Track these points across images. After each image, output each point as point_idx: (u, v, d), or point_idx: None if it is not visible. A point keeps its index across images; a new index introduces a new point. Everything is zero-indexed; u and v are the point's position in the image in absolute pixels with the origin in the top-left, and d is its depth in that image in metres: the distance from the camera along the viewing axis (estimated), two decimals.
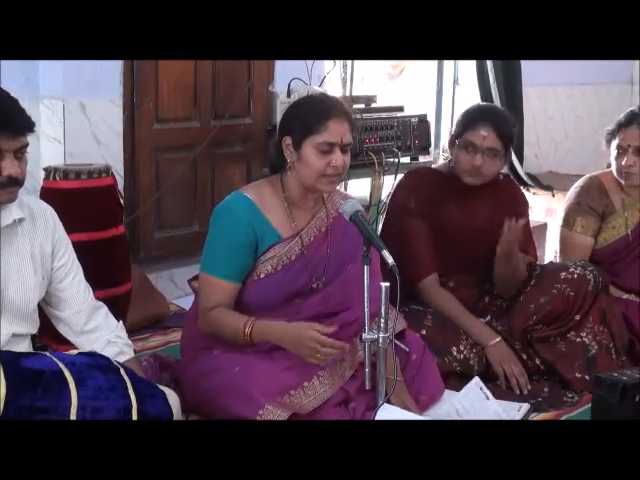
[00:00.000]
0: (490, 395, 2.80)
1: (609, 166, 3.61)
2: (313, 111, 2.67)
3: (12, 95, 2.24)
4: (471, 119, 3.22)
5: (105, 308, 2.59)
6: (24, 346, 2.40)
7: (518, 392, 3.10)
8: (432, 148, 4.54)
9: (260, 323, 2.61)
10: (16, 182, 2.25)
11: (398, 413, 2.62)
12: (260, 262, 2.71)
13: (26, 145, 2.25)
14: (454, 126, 3.31)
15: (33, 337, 2.52)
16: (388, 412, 2.58)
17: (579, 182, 3.66)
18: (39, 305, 2.47)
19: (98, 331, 2.53)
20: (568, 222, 3.60)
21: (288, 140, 2.68)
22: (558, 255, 3.68)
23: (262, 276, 2.71)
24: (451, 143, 3.30)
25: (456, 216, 3.31)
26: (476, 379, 2.88)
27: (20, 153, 2.24)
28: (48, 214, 2.45)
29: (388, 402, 2.64)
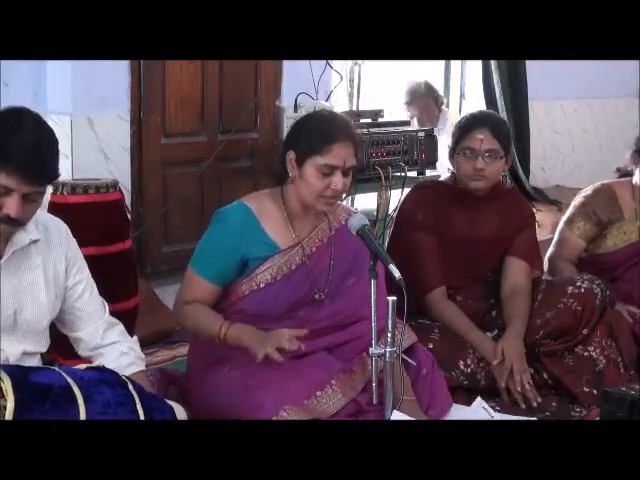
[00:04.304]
0: (493, 413, 2.80)
1: (621, 174, 3.72)
2: (319, 131, 2.68)
3: (53, 138, 2.24)
4: (466, 126, 3.26)
5: (121, 326, 2.58)
6: (33, 363, 2.39)
7: (523, 406, 3.08)
8: (439, 162, 4.54)
9: (234, 328, 2.64)
10: (13, 223, 2.21)
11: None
12: (259, 272, 2.72)
13: (40, 192, 2.22)
14: (451, 138, 3.34)
15: (41, 353, 2.52)
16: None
17: (592, 186, 3.74)
18: (51, 324, 2.47)
19: (113, 346, 2.52)
20: (570, 221, 3.69)
21: (291, 154, 2.70)
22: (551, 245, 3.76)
23: (262, 285, 2.73)
24: (451, 155, 3.32)
25: (463, 229, 3.32)
26: (478, 400, 2.89)
27: (32, 197, 2.21)
28: (62, 232, 2.45)
29: None
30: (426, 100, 5.25)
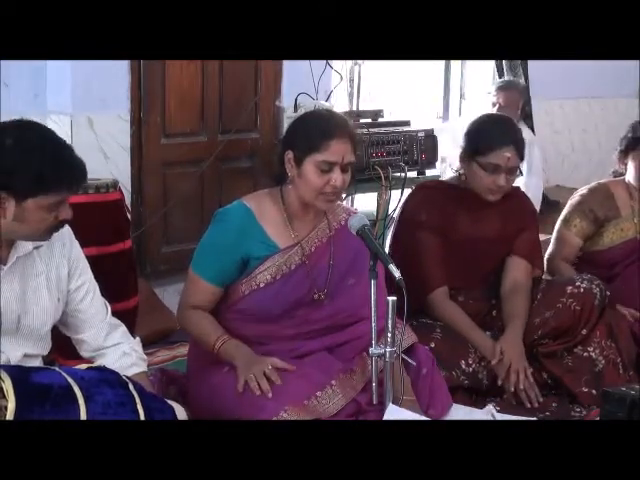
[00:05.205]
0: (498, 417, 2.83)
1: (616, 175, 3.72)
2: (316, 129, 2.68)
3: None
4: (493, 140, 3.18)
5: (123, 327, 2.59)
6: (35, 365, 2.39)
7: (529, 405, 3.09)
8: (439, 162, 4.54)
9: (229, 344, 2.66)
10: (66, 223, 2.33)
11: (405, 414, 2.62)
12: (259, 271, 2.72)
13: None
14: (467, 140, 3.26)
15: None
16: (395, 414, 2.59)
17: (588, 185, 3.76)
18: (53, 326, 2.47)
19: (116, 347, 2.53)
20: (567, 220, 3.70)
21: (290, 154, 2.70)
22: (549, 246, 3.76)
23: (262, 285, 2.73)
24: (464, 159, 3.25)
25: (467, 228, 3.30)
26: (489, 407, 2.91)
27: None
28: (65, 235, 2.45)
29: None
30: (518, 93, 5.26)
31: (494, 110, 5.09)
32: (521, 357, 3.12)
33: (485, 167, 3.18)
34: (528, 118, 5.71)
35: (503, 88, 5.23)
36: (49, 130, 2.30)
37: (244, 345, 2.68)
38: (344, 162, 2.65)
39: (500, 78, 5.60)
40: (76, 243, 2.49)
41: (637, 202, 3.63)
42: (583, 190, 3.73)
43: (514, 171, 3.20)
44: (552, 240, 3.75)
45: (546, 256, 3.67)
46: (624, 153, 3.64)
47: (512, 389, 3.10)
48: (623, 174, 3.68)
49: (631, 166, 3.61)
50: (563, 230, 3.70)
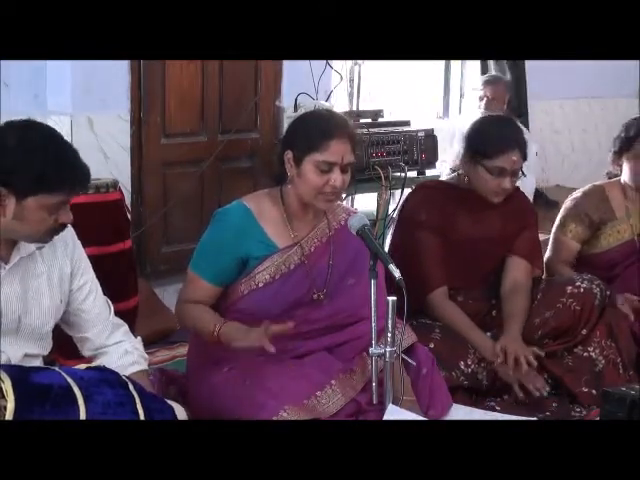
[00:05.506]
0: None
1: (610, 177, 3.72)
2: (316, 129, 2.68)
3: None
4: (499, 144, 3.16)
5: (125, 326, 2.59)
6: (35, 365, 2.39)
7: (537, 394, 3.08)
8: (439, 162, 4.54)
9: (228, 326, 2.64)
10: (65, 227, 2.33)
11: (405, 414, 2.62)
12: (258, 271, 2.73)
13: None
14: (471, 143, 3.23)
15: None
16: (395, 414, 2.59)
17: (581, 188, 3.75)
18: (54, 326, 2.47)
19: (118, 345, 2.53)
20: (562, 225, 3.69)
21: (289, 154, 2.70)
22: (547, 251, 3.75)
23: (261, 285, 2.73)
24: (467, 160, 3.23)
25: (467, 228, 3.30)
26: (492, 413, 2.93)
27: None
28: (68, 236, 2.45)
29: None
30: (504, 87, 5.37)
31: (482, 104, 5.24)
32: (523, 348, 3.11)
33: (491, 171, 3.17)
34: (523, 116, 5.73)
35: (490, 82, 5.37)
36: (54, 131, 2.30)
37: (241, 324, 2.65)
38: (344, 162, 2.66)
39: (484, 74, 5.67)
40: (78, 243, 2.49)
41: (632, 203, 3.62)
42: (577, 193, 3.71)
43: (518, 173, 3.20)
44: (549, 244, 3.74)
45: (545, 260, 3.66)
46: (618, 154, 3.62)
47: (525, 370, 3.06)
48: (618, 175, 3.67)
49: (626, 167, 3.59)
50: (559, 235, 3.69)
